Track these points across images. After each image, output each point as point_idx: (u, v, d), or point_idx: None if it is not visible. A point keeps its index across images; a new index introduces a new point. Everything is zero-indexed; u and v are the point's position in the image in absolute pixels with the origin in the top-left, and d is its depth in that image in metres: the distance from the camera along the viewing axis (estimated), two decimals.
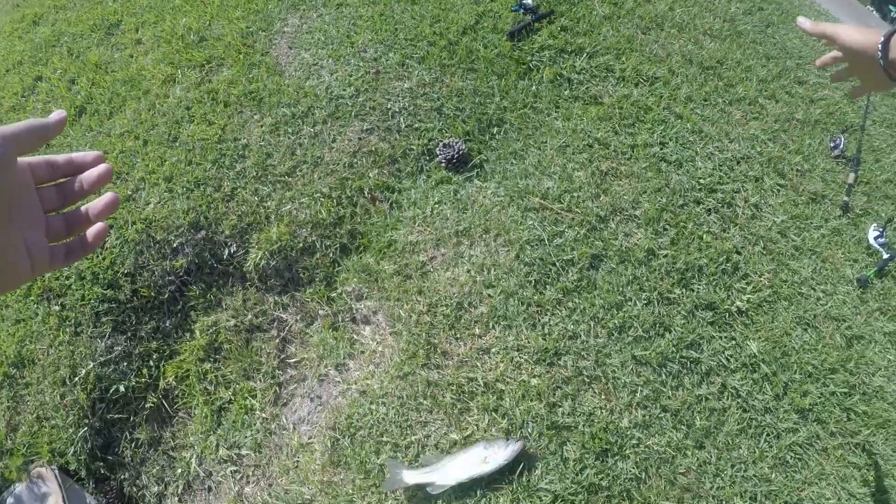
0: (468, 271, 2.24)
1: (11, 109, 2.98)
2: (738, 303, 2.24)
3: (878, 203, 2.90)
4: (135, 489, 2.12)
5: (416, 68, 2.91)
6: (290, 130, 2.60)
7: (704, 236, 2.37)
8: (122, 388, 2.13)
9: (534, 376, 1.99)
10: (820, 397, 2.17)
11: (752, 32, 3.61)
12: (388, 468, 1.77)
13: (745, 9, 3.86)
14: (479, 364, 2.03)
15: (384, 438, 1.90)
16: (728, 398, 2.04)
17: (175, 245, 2.30)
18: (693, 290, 2.22)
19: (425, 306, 2.16)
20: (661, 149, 2.65)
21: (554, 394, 1.95)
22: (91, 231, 0.54)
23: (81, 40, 3.26)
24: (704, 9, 3.67)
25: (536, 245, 2.31)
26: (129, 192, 2.41)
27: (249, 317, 2.27)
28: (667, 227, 2.37)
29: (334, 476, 1.89)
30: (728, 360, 2.12)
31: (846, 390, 2.22)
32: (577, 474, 1.79)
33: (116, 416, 2.15)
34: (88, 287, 2.20)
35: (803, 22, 1.15)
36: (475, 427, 1.89)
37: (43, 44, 3.32)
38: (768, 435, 2.02)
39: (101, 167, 0.53)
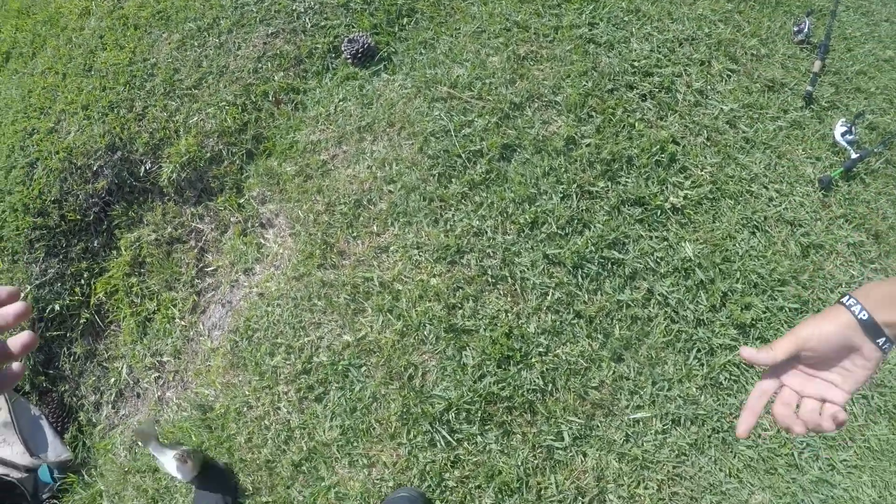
0: (369, 167, 2.04)
1: None
2: (674, 199, 1.91)
3: (847, 96, 2.57)
4: (74, 399, 2.34)
5: None
6: (196, 44, 2.56)
7: (637, 124, 2.02)
8: (57, 307, 2.30)
9: (433, 276, 1.71)
10: (765, 312, 1.87)
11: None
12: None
13: None
14: (375, 263, 1.86)
15: (279, 340, 1.88)
16: (655, 306, 1.72)
17: (95, 168, 2.40)
18: (620, 184, 1.88)
19: (323, 206, 2.05)
20: (590, 30, 2.28)
21: (454, 294, 1.67)
22: (14, 365, 0.58)
23: None
24: None
25: (442, 136, 1.99)
26: (52, 125, 2.49)
27: (169, 230, 2.38)
28: (592, 113, 2.02)
29: (234, 378, 1.92)
30: (658, 262, 1.80)
31: (797, 306, 1.93)
32: (474, 381, 1.55)
33: (55, 333, 2.32)
34: (21, 217, 2.35)
35: (748, 354, 0.75)
36: (369, 329, 1.74)
37: None
38: (699, 351, 1.73)
39: (18, 305, 0.56)
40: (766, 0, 2.70)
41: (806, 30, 2.62)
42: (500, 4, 2.42)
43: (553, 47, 2.23)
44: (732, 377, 1.73)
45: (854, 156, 2.34)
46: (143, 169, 2.41)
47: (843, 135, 2.39)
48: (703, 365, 1.69)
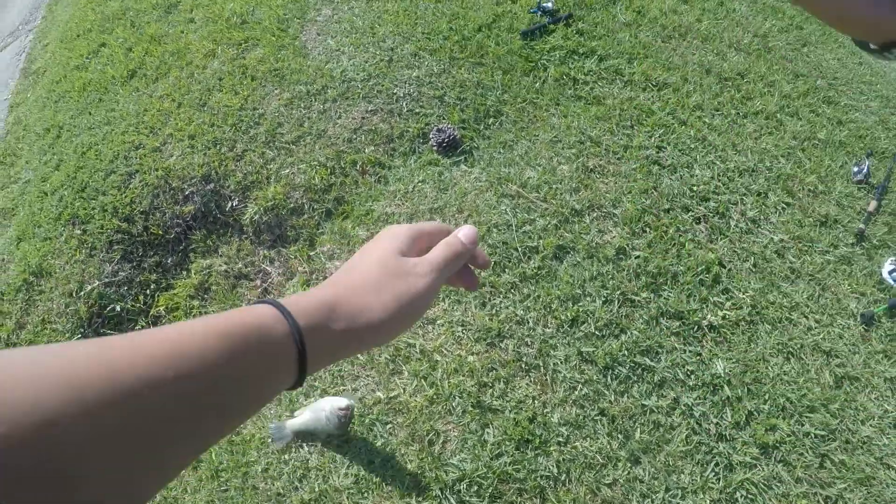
0: None
1: (76, 69, 3.56)
2: (712, 317, 2.09)
3: None
4: None
5: (426, 59, 3.04)
6: (302, 105, 2.88)
7: (687, 244, 2.23)
8: (118, 308, 2.46)
9: (472, 353, 1.93)
10: (790, 436, 1.99)
11: (783, 49, 3.46)
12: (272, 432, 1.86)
13: (781, 27, 3.71)
14: (420, 332, 2.05)
15: (315, 384, 2.01)
16: (678, 415, 1.89)
17: (187, 193, 2.65)
18: (661, 296, 2.09)
19: None
20: (657, 152, 2.53)
21: (488, 374, 1.89)
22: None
23: (143, 15, 3.76)
24: (735, 23, 3.55)
25: (504, 229, 2.26)
26: (158, 145, 2.79)
27: (239, 265, 2.56)
28: (646, 228, 2.25)
29: (266, 409, 2.03)
30: (688, 375, 1.97)
31: (824, 433, 2.03)
32: (491, 458, 1.71)
33: (108, 331, 2.41)
34: (108, 218, 2.60)
35: None
36: (402, 390, 1.92)
37: (111, 16, 3.85)
38: (717, 465, 1.87)
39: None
40: (829, 140, 2.88)
41: (865, 170, 2.78)
42: (579, 119, 2.72)
43: (620, 164, 2.50)
44: (749, 495, 1.85)
45: None
46: (230, 204, 2.65)
47: (890, 272, 2.50)
48: (719, 479, 1.82)
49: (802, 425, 2.02)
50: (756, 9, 3.90)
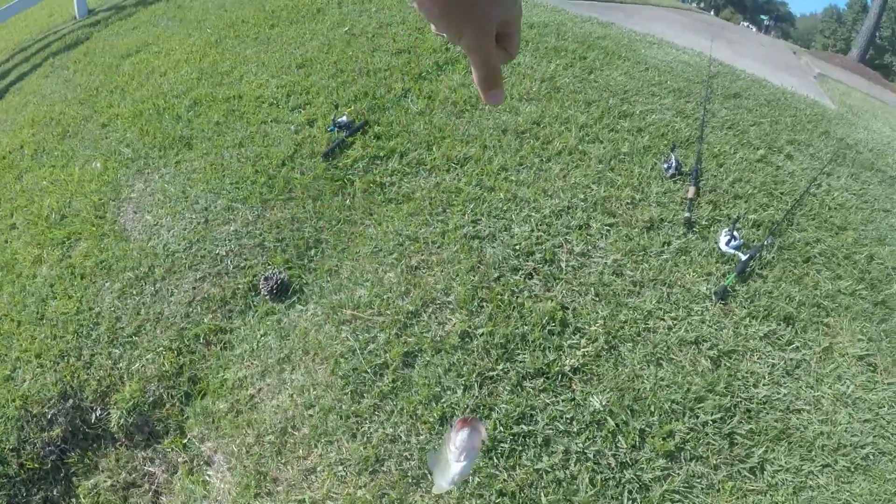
0: (290, 396, 2.61)
1: None
2: (572, 361, 2.45)
3: (727, 207, 3.22)
4: None
5: (240, 209, 3.48)
6: (134, 292, 3.19)
7: (525, 302, 2.63)
8: None
9: (359, 488, 2.20)
10: (690, 432, 2.32)
11: (571, 83, 4.15)
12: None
13: (566, 63, 4.45)
14: (306, 485, 2.30)
15: None
16: (574, 464, 2.19)
17: (49, 416, 2.79)
18: (517, 362, 2.43)
19: (254, 438, 2.51)
20: (474, 227, 2.98)
21: (381, 501, 2.09)
22: None
23: None
24: (522, 76, 4.24)
25: (350, 356, 2.59)
26: (8, 373, 2.97)
27: (123, 475, 2.69)
28: (482, 304, 2.63)
29: None
30: (569, 423, 2.29)
31: (722, 415, 2.38)
32: None
33: None
34: None
35: None
36: None
37: None
38: (631, 492, 2.15)
39: None
40: (633, 150, 3.47)
41: (674, 163, 3.34)
42: (393, 222, 3.15)
43: (441, 251, 2.91)
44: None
45: (743, 258, 2.90)
46: (94, 416, 2.82)
47: (727, 244, 2.99)
48: (637, 503, 2.09)
49: (698, 417, 2.37)
50: (539, 55, 4.65)
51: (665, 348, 2.57)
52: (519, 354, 2.50)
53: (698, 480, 2.21)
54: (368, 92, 4.20)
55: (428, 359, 2.51)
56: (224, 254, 3.27)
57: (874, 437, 2.51)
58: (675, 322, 2.67)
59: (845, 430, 2.49)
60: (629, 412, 2.35)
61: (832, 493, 2.25)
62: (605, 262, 2.86)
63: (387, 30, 5.14)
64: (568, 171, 3.38)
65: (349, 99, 4.15)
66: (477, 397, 2.36)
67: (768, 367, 2.61)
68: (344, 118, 3.83)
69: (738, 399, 2.46)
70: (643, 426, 2.32)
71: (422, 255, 2.96)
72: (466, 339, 2.55)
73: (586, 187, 3.26)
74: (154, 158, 4.02)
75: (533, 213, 3.09)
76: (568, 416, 2.33)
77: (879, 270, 3.44)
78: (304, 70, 4.60)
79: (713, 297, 2.80)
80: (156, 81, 4.99)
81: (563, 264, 2.84)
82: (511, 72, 4.37)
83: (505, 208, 3.13)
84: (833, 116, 5.11)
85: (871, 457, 2.44)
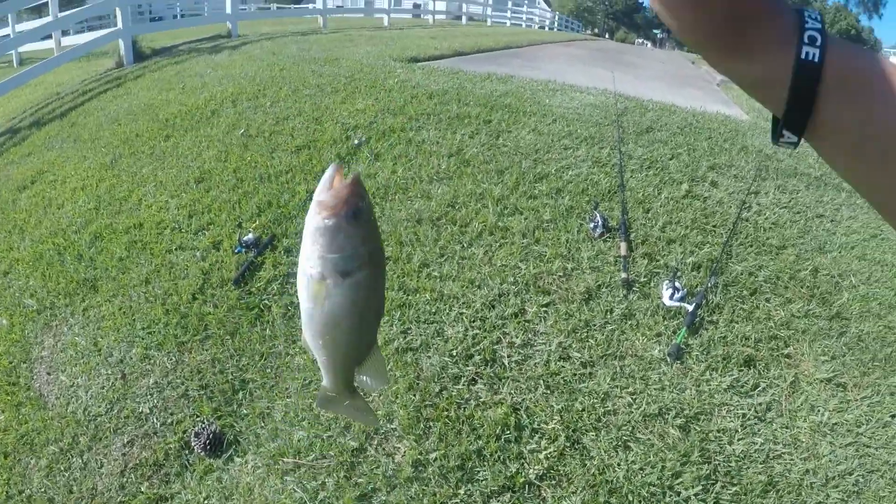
0: None
1: None
2: (535, 467, 2.47)
3: (663, 255, 3.32)
4: None
5: (156, 357, 3.41)
6: (62, 468, 3.04)
7: (474, 413, 2.64)
8: None
9: None
10: None
11: (480, 153, 4.28)
12: None
13: (471, 131, 4.57)
14: None
15: None
16: None
17: None
18: (479, 481, 2.43)
19: None
20: (405, 338, 3.00)
21: None
22: None
23: None
24: (428, 153, 4.34)
25: None
26: None
27: None
28: (429, 425, 2.64)
29: None
30: None
31: (701, 486, 2.42)
32: None
33: None
34: None
35: None
36: None
37: None
38: None
39: None
40: (556, 216, 3.59)
41: (600, 221, 3.45)
42: None
43: None
44: None
45: (690, 308, 3.00)
46: None
47: (671, 297, 3.08)
48: None
49: (679, 494, 2.43)
50: (442, 127, 4.81)
51: (630, 429, 2.62)
52: (479, 473, 2.50)
53: None
54: (272, 201, 4.24)
55: (384, 498, 2.48)
56: (148, 411, 3.19)
57: (859, 459, 2.60)
58: (634, 397, 2.73)
59: (829, 461, 2.58)
60: None
61: None
62: (550, 349, 2.91)
63: (284, 125, 5.23)
64: (492, 252, 3.46)
65: (252, 213, 4.17)
66: None
67: (739, 418, 2.68)
68: (250, 235, 3.84)
69: (716, 462, 2.52)
70: None
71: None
72: (420, 468, 2.54)
73: (514, 268, 3.34)
74: (60, 308, 3.93)
75: (464, 310, 3.14)
76: None
77: (826, 282, 3.62)
78: (203, 185, 4.62)
79: (668, 359, 2.88)
80: (54, 215, 4.91)
81: (505, 361, 2.88)
82: (416, 151, 4.50)
83: (433, 310, 3.17)
84: (747, 128, 5.41)
85: (861, 481, 2.52)
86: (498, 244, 3.51)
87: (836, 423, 2.76)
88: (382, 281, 0.76)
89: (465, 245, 3.54)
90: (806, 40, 0.49)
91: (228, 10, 11.11)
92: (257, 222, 4.03)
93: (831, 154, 0.53)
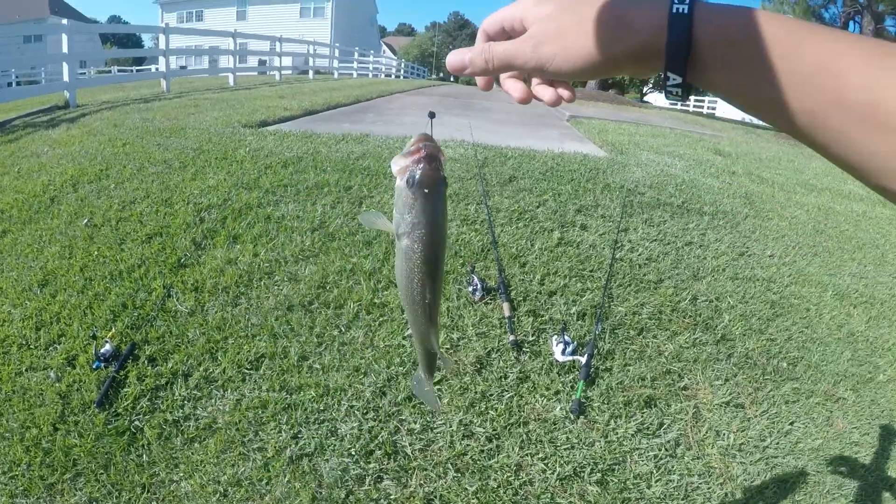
0: None
1: None
2: None
3: (546, 310, 3.43)
4: None
5: None
6: None
7: None
8: None
9: None
10: None
11: (345, 224, 4.28)
12: None
13: (332, 200, 4.58)
14: None
15: None
16: None
17: None
18: None
19: None
20: (297, 444, 2.91)
21: None
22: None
23: None
24: (290, 230, 4.27)
25: None
26: None
27: None
28: None
29: None
30: None
31: None
32: None
33: None
34: None
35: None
36: None
37: None
38: None
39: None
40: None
41: (479, 284, 3.52)
42: (205, 469, 2.98)
43: (272, 489, 2.81)
44: None
45: (583, 360, 3.11)
46: None
47: (563, 352, 3.19)
48: None
49: None
50: (301, 199, 4.81)
51: (549, 496, 2.66)
52: None
53: None
54: (126, 302, 4.02)
55: None
56: None
57: (770, 472, 2.81)
58: (546, 462, 2.78)
59: (744, 481, 2.75)
60: None
61: None
62: (451, 429, 2.92)
63: (131, 210, 5.00)
64: (373, 333, 3.45)
65: (107, 318, 3.92)
66: None
67: (652, 460, 2.80)
68: (108, 346, 3.61)
69: None
70: None
71: (252, 502, 2.83)
72: None
73: (399, 347, 3.34)
74: None
75: (354, 403, 3.09)
76: None
77: (706, 307, 3.89)
78: (49, 288, 4.29)
79: (572, 416, 2.97)
80: None
81: (408, 451, 2.86)
82: (277, 228, 4.44)
83: (322, 408, 3.10)
84: (605, 166, 5.78)
85: (778, 492, 2.72)
86: (377, 323, 3.51)
87: (742, 443, 2.95)
88: (433, 264, 0.79)
89: (343, 329, 3.51)
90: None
91: (66, 77, 10.59)
92: (113, 330, 3.80)
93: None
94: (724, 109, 31.08)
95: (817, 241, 6.08)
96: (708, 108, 33.62)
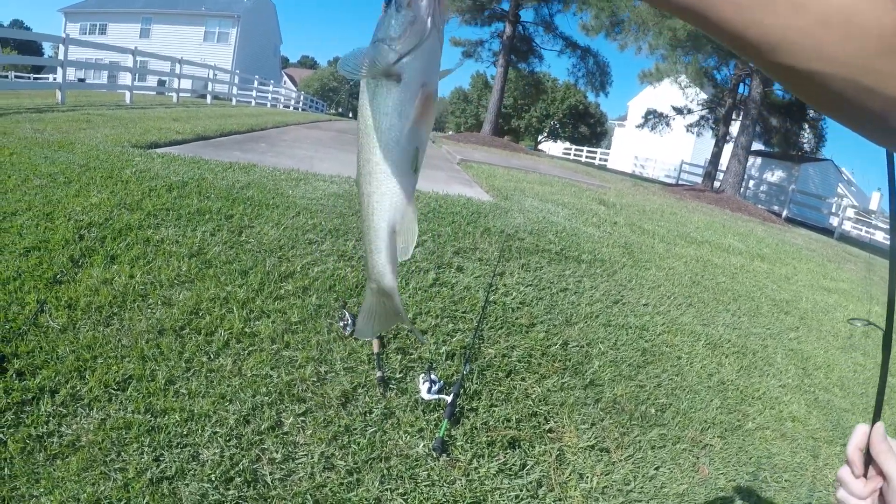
0: None
1: None
2: None
3: (415, 348, 3.62)
4: None
5: None
6: None
7: None
8: None
9: None
10: None
11: (223, 252, 4.35)
12: None
13: (213, 228, 4.64)
14: None
15: None
16: None
17: None
18: None
19: None
20: (158, 466, 2.95)
21: None
22: None
23: None
24: (168, 255, 4.30)
25: None
26: None
27: None
28: None
29: None
30: None
31: None
32: None
33: None
34: None
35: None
36: None
37: None
38: None
39: None
40: (305, 315, 3.74)
41: (350, 320, 3.67)
42: (66, 486, 2.97)
43: None
44: None
45: (449, 399, 3.30)
46: None
47: (429, 390, 3.37)
48: None
49: None
50: (182, 224, 4.79)
51: None
52: None
53: None
54: None
55: None
56: None
57: None
58: (406, 498, 2.94)
59: None
60: None
61: None
62: (313, 461, 3.04)
63: (11, 221, 4.85)
64: (241, 361, 3.54)
65: None
66: None
67: (513, 501, 2.99)
68: None
69: None
70: None
71: None
72: None
73: (266, 377, 3.44)
74: None
75: (218, 429, 3.16)
76: None
77: (577, 353, 4.18)
78: None
79: (434, 454, 3.14)
80: None
81: (268, 479, 2.95)
82: (155, 251, 4.45)
83: (185, 432, 3.15)
84: (488, 210, 6.09)
85: None
86: (247, 352, 3.60)
87: (605, 487, 3.20)
88: (420, 108, 0.66)
89: (213, 356, 3.58)
90: None
91: None
92: None
93: None
94: (616, 161, 32.74)
95: (693, 291, 6.58)
96: (600, 159, 35.33)
